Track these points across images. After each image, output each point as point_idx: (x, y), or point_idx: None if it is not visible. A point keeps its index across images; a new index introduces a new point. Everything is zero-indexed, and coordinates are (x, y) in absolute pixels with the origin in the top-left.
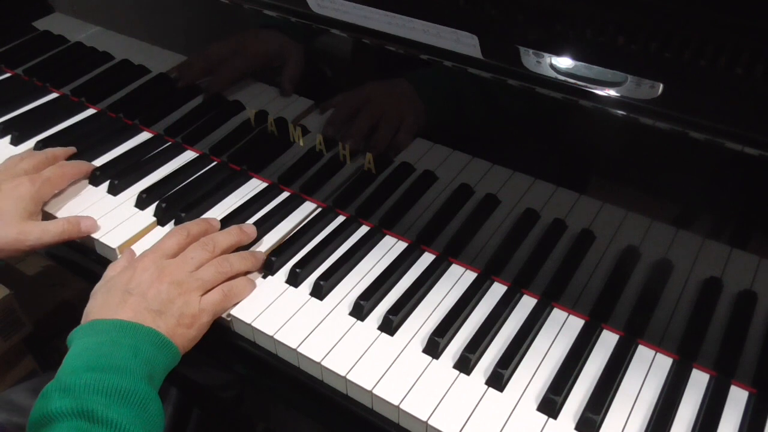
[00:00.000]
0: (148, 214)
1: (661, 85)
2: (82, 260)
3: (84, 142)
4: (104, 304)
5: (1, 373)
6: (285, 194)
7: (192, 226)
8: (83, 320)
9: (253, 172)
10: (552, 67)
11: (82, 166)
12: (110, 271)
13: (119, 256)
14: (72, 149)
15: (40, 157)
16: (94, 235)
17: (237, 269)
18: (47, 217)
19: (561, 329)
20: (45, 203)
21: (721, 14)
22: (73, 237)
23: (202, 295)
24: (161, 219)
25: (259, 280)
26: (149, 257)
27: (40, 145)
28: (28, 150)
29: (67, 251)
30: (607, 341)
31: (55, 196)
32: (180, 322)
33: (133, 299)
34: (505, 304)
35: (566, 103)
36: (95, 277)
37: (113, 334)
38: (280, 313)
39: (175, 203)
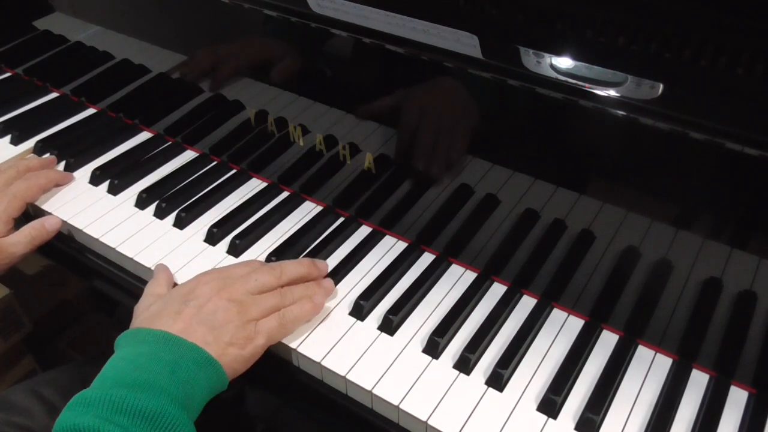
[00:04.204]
0: (148, 213)
1: (661, 86)
2: (82, 259)
3: (84, 142)
4: (159, 312)
5: (1, 372)
6: (285, 194)
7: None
8: (134, 323)
9: (253, 172)
10: (552, 67)
11: (50, 175)
12: (151, 288)
13: (125, 254)
14: (47, 158)
15: (10, 173)
16: (94, 235)
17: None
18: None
19: (561, 329)
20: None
21: (721, 14)
22: (44, 240)
23: (259, 320)
24: (161, 218)
25: None
26: (214, 273)
27: (40, 145)
28: (3, 162)
29: (68, 250)
30: (607, 341)
31: (54, 195)
32: (233, 341)
33: (189, 310)
34: (505, 304)
35: (566, 103)
36: (95, 277)
37: (154, 346)
38: None
39: (175, 203)
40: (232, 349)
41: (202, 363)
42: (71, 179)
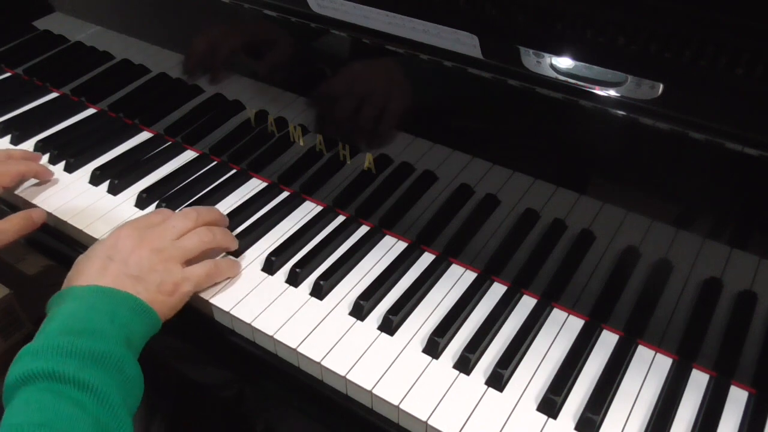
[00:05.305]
0: None
1: (661, 86)
2: None
3: (84, 142)
4: (85, 270)
5: (1, 373)
6: (285, 194)
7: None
8: (63, 287)
9: (253, 172)
10: (552, 67)
11: (30, 165)
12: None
13: None
14: (30, 152)
15: None
16: (94, 235)
17: (219, 241)
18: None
19: (561, 329)
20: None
21: (721, 14)
22: (30, 230)
23: (185, 265)
24: None
25: (258, 278)
26: (132, 225)
27: (40, 145)
28: None
29: (68, 250)
30: (607, 341)
31: (54, 195)
32: (160, 289)
33: (114, 265)
34: (505, 304)
35: (566, 103)
36: None
37: (90, 298)
38: (280, 312)
39: (175, 203)
40: (160, 296)
41: (137, 310)
42: (51, 175)
